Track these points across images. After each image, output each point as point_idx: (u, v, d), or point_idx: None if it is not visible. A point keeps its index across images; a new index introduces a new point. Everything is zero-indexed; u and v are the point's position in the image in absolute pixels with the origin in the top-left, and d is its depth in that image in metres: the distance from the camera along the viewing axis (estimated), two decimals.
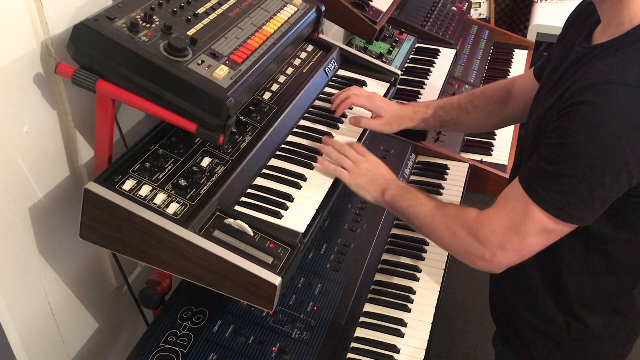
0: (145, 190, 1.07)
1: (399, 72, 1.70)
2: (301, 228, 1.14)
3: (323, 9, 1.47)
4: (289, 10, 1.38)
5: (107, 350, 1.52)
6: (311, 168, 1.31)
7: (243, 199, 1.18)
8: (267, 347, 1.25)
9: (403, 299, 1.49)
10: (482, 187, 1.98)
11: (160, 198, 1.07)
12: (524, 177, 1.10)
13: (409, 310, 1.47)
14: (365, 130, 1.49)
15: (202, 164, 1.18)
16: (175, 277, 1.20)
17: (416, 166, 1.94)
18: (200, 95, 1.05)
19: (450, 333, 2.57)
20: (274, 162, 1.29)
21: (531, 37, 3.25)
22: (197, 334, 1.23)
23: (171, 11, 1.17)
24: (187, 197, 1.10)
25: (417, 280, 1.55)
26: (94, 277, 1.42)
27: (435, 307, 1.49)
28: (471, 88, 2.36)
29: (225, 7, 1.28)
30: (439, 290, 1.54)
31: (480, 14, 3.50)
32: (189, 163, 1.17)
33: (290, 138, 1.37)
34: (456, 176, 1.90)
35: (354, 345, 1.37)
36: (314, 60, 1.57)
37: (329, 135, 1.42)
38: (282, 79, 1.46)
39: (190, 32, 1.15)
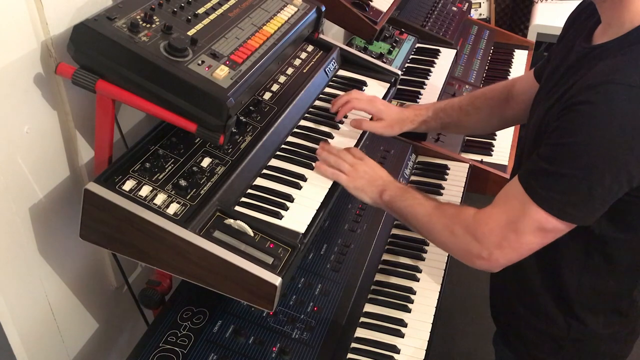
0: (145, 191, 1.07)
1: (399, 72, 1.69)
2: (301, 228, 1.14)
3: (323, 9, 1.47)
4: (289, 10, 1.38)
5: (107, 350, 1.52)
6: (311, 168, 1.31)
7: (243, 199, 1.18)
8: (267, 347, 1.25)
9: (403, 299, 1.49)
10: (482, 187, 1.98)
11: (160, 198, 1.07)
12: (524, 176, 1.10)
13: (409, 311, 1.47)
14: (365, 131, 1.49)
15: (202, 164, 1.18)
16: (175, 277, 1.20)
17: (416, 166, 1.94)
18: (200, 95, 1.05)
19: (450, 333, 2.57)
20: (274, 162, 1.29)
21: (531, 37, 3.25)
22: (197, 334, 1.23)
23: (171, 11, 1.17)
24: (187, 197, 1.10)
25: (417, 280, 1.55)
26: (94, 277, 1.42)
27: (435, 307, 1.49)
28: (471, 88, 2.36)
29: (225, 7, 1.28)
30: (439, 290, 1.54)
31: (480, 14, 3.50)
32: (189, 163, 1.17)
33: (290, 138, 1.37)
34: (456, 176, 1.90)
35: (354, 345, 1.37)
36: (314, 60, 1.57)
37: (329, 135, 1.42)
38: (282, 79, 1.46)
39: (190, 32, 1.15)
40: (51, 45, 1.10)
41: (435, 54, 2.35)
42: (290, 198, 1.20)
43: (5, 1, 1.00)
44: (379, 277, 1.55)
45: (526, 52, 2.77)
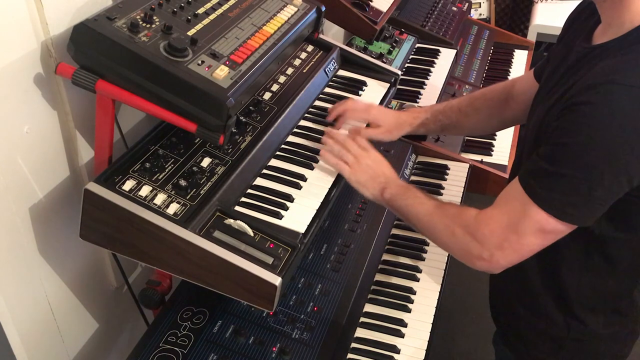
0: (145, 191, 1.07)
1: (399, 72, 1.69)
2: (301, 228, 1.14)
3: (323, 9, 1.47)
4: (289, 10, 1.38)
5: (107, 350, 1.52)
6: (311, 168, 1.31)
7: (243, 199, 1.18)
8: (267, 347, 1.25)
9: (403, 299, 1.49)
10: (482, 187, 1.98)
11: (160, 198, 1.07)
12: (524, 177, 1.10)
13: (409, 311, 1.47)
14: None
15: (202, 164, 1.18)
16: (175, 277, 1.20)
17: (416, 166, 1.94)
18: (200, 95, 1.05)
19: (450, 333, 2.57)
20: (274, 162, 1.29)
21: (531, 37, 3.25)
22: (197, 334, 1.23)
23: (171, 11, 1.17)
24: (187, 197, 1.10)
25: (417, 280, 1.55)
26: (94, 277, 1.42)
27: (435, 307, 1.49)
28: (471, 88, 2.36)
29: (225, 7, 1.28)
30: (439, 290, 1.53)
31: (480, 14, 3.50)
32: (189, 163, 1.17)
33: (290, 138, 1.37)
34: (456, 176, 1.90)
35: (354, 345, 1.37)
36: (314, 60, 1.57)
37: None
38: (282, 79, 1.46)
39: (190, 32, 1.15)
40: (51, 45, 1.10)
41: (435, 54, 2.35)
42: (290, 198, 1.20)
43: (5, 1, 1.00)
44: (379, 277, 1.55)
45: (526, 52, 2.77)
